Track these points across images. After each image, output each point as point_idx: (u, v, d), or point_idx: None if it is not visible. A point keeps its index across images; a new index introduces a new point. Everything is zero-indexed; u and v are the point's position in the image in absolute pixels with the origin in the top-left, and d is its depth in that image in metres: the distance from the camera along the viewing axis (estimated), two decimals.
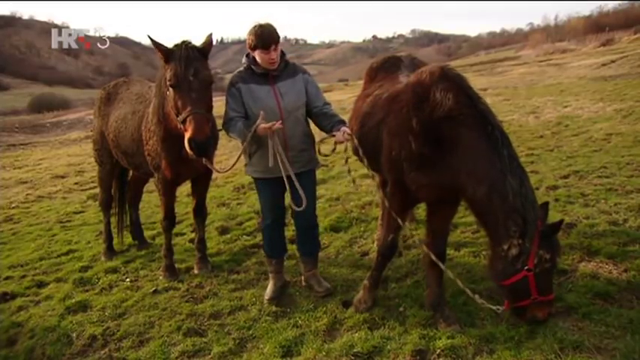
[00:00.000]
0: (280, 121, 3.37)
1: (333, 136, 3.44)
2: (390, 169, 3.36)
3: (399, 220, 3.32)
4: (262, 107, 3.47)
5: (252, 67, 3.54)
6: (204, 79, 3.45)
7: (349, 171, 3.94)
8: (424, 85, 3.08)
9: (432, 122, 2.96)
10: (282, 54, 3.59)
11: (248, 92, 3.53)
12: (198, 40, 3.61)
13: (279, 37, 3.49)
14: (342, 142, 3.43)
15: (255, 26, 3.45)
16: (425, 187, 3.16)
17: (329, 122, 3.55)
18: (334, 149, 3.61)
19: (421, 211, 4.97)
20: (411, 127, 3.06)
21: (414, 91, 3.14)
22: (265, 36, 3.40)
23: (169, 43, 3.54)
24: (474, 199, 2.90)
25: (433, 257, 3.21)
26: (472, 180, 2.86)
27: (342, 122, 3.52)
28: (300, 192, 3.45)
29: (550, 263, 2.77)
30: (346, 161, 3.80)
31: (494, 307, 2.98)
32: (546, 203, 2.96)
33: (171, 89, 3.47)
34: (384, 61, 4.56)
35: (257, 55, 3.49)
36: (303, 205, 3.48)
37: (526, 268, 2.75)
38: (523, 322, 2.96)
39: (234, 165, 3.79)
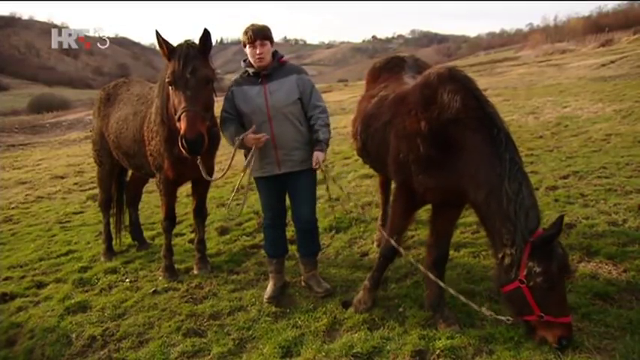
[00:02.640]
0: (265, 135, 3.47)
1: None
2: (396, 172, 3.35)
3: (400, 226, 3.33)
4: (251, 106, 3.58)
5: (248, 69, 3.64)
6: (202, 77, 3.44)
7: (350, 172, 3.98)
8: (431, 86, 3.07)
9: (439, 124, 2.95)
10: (276, 54, 3.66)
11: (240, 93, 3.64)
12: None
13: (268, 35, 3.56)
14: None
15: (247, 25, 3.60)
16: (432, 190, 3.14)
17: (314, 136, 3.63)
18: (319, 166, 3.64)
19: (422, 211, 4.96)
20: (419, 130, 3.04)
21: (422, 92, 3.12)
22: (251, 31, 3.52)
23: (172, 43, 3.54)
24: (475, 203, 2.89)
25: (432, 277, 3.20)
26: (473, 184, 2.84)
27: (321, 143, 3.57)
28: (243, 202, 3.78)
29: (542, 277, 2.61)
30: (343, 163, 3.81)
31: (503, 318, 2.88)
32: (561, 217, 2.75)
33: (170, 87, 3.47)
34: (387, 61, 4.55)
35: (247, 53, 3.59)
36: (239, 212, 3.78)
37: (518, 278, 2.69)
38: (535, 342, 2.82)
39: (224, 174, 3.94)
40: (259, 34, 3.51)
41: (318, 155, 3.54)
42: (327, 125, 3.68)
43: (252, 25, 3.59)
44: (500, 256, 2.78)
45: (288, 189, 3.78)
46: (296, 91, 3.63)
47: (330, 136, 3.74)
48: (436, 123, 2.96)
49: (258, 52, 3.51)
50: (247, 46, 3.56)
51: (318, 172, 3.74)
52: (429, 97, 3.04)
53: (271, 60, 3.60)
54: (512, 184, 2.71)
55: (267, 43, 3.55)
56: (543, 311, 2.67)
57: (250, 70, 3.62)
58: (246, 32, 3.55)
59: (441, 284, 3.18)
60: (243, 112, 3.64)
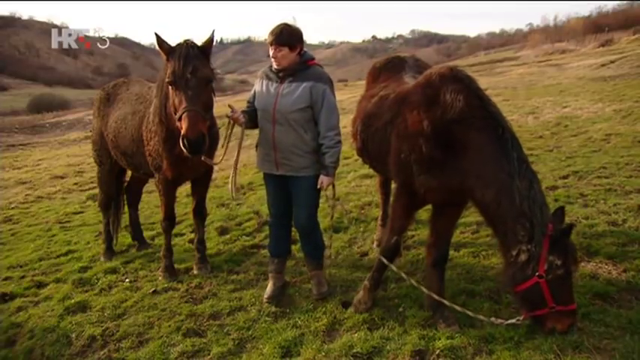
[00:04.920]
0: (234, 113, 3.58)
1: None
2: (398, 172, 3.34)
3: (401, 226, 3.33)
4: (262, 103, 3.61)
5: (272, 65, 3.63)
6: (202, 77, 3.45)
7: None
8: (434, 86, 3.07)
9: (442, 124, 2.95)
10: (303, 58, 3.58)
11: (261, 86, 3.67)
12: (199, 41, 3.61)
13: (286, 41, 3.47)
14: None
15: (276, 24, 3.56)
16: (434, 190, 3.14)
17: (320, 159, 3.56)
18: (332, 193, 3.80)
19: (422, 211, 4.96)
20: (421, 130, 3.04)
21: (424, 92, 3.12)
22: (271, 35, 3.51)
23: (171, 44, 3.55)
24: (483, 202, 2.89)
25: (437, 298, 3.22)
26: (480, 183, 2.85)
27: (327, 168, 3.54)
28: (231, 186, 3.82)
29: (562, 269, 2.68)
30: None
31: (513, 320, 2.89)
32: (562, 208, 2.91)
33: (170, 87, 3.48)
34: (388, 61, 4.55)
35: None
36: (231, 192, 3.87)
37: (537, 274, 2.70)
38: (544, 333, 2.87)
39: (223, 157, 3.91)
40: (276, 40, 3.47)
41: (322, 179, 3.54)
42: (337, 144, 3.53)
43: (278, 26, 3.52)
44: (514, 252, 2.77)
45: (290, 190, 3.77)
46: (306, 99, 3.49)
47: (339, 155, 3.62)
48: (439, 123, 2.96)
49: (272, 55, 3.52)
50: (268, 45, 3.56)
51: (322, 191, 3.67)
52: (431, 96, 3.04)
53: (290, 64, 3.52)
54: (523, 182, 2.74)
55: (284, 49, 3.46)
56: (556, 302, 2.71)
57: (272, 67, 3.61)
58: (270, 32, 3.54)
59: (445, 302, 3.18)
60: (257, 107, 3.68)
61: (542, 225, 2.72)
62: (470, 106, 2.89)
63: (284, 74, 3.57)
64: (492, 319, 2.98)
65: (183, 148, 3.34)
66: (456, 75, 3.05)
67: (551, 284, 2.71)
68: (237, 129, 3.73)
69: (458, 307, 3.12)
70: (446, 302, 3.17)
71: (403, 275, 3.40)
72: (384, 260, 3.37)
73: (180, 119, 3.37)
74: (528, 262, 2.73)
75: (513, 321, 2.89)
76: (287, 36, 3.49)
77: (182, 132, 3.32)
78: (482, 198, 2.87)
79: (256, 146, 3.78)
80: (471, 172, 2.89)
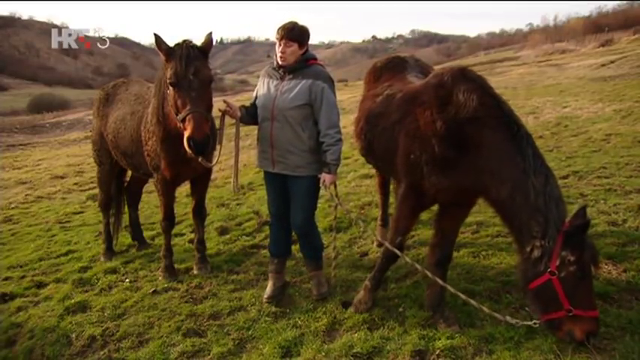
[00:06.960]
0: (227, 106, 3.64)
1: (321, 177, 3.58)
2: (407, 172, 3.32)
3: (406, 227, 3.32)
4: (262, 100, 3.65)
5: (273, 62, 3.67)
6: (204, 78, 3.46)
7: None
8: (446, 86, 3.08)
9: (456, 124, 2.95)
10: (305, 57, 3.59)
11: (262, 85, 3.72)
12: (198, 41, 3.63)
13: (296, 37, 3.50)
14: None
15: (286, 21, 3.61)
16: (445, 190, 3.13)
17: (322, 157, 3.54)
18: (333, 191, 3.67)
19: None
20: (434, 130, 3.04)
21: (437, 92, 3.12)
22: (282, 29, 3.53)
23: (170, 43, 3.56)
24: (498, 200, 2.89)
25: (442, 282, 3.20)
26: (495, 181, 2.85)
27: (329, 165, 3.51)
28: (233, 179, 3.92)
29: (576, 266, 2.62)
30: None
31: (530, 322, 2.85)
32: (584, 208, 2.81)
33: (170, 88, 3.48)
34: (389, 61, 4.55)
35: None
36: (234, 188, 4.02)
37: (549, 270, 2.66)
38: (560, 338, 2.79)
39: (219, 157, 3.96)
40: (288, 34, 3.49)
41: (325, 177, 3.53)
42: (337, 141, 3.51)
43: (289, 23, 3.56)
44: (528, 249, 2.76)
45: (288, 190, 3.77)
46: (305, 96, 3.50)
47: (340, 152, 3.58)
48: (452, 122, 2.97)
49: (281, 50, 3.53)
50: (276, 41, 3.58)
51: (323, 189, 3.64)
52: (444, 97, 3.05)
53: (295, 61, 3.54)
54: (538, 178, 2.74)
55: (294, 44, 3.49)
56: (573, 304, 2.64)
57: (274, 64, 3.64)
58: (279, 27, 3.56)
59: (461, 296, 3.13)
60: (257, 104, 3.70)
61: (558, 220, 2.69)
62: (484, 105, 2.90)
63: (285, 71, 3.59)
64: (508, 317, 2.94)
65: (188, 149, 3.35)
66: (466, 75, 3.08)
67: (565, 283, 2.64)
68: (230, 122, 3.76)
69: (474, 302, 3.05)
70: (462, 296, 3.10)
71: (418, 267, 3.35)
72: (396, 251, 3.32)
73: (184, 120, 3.37)
74: (541, 258, 2.69)
75: (530, 323, 2.85)
76: (298, 32, 3.52)
77: (187, 133, 3.32)
78: (497, 196, 2.87)
79: (257, 144, 3.81)
80: (485, 171, 2.89)
